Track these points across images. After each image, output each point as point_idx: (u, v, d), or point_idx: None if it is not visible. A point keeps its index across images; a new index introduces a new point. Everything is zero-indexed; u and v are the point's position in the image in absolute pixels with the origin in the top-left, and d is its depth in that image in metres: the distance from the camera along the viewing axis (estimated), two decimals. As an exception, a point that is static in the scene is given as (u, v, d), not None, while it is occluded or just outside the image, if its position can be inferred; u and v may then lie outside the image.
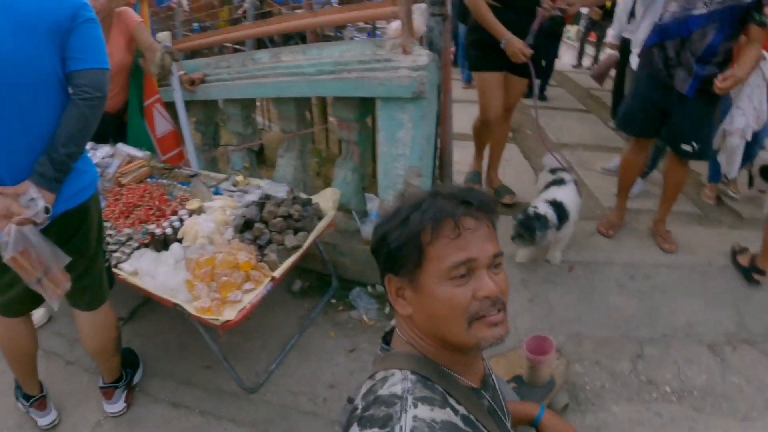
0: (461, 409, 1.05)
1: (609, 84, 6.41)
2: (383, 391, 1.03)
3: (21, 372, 2.25)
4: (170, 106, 3.36)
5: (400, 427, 0.94)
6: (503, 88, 3.57)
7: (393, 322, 1.25)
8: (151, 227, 2.58)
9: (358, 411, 1.03)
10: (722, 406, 2.52)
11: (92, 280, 2.08)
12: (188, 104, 3.24)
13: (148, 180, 3.04)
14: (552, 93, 7.06)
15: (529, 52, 3.29)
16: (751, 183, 4.19)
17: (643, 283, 3.26)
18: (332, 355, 2.79)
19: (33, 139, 1.72)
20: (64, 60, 1.70)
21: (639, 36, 3.38)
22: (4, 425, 2.41)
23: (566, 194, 3.24)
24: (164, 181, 3.05)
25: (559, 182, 3.35)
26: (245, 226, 2.60)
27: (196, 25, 4.90)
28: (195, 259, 2.34)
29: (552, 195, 3.21)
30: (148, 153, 3.12)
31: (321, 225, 2.74)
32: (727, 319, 3.02)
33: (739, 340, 2.91)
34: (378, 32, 6.78)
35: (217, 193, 2.94)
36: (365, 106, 3.09)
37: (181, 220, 2.62)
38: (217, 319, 2.15)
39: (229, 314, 2.17)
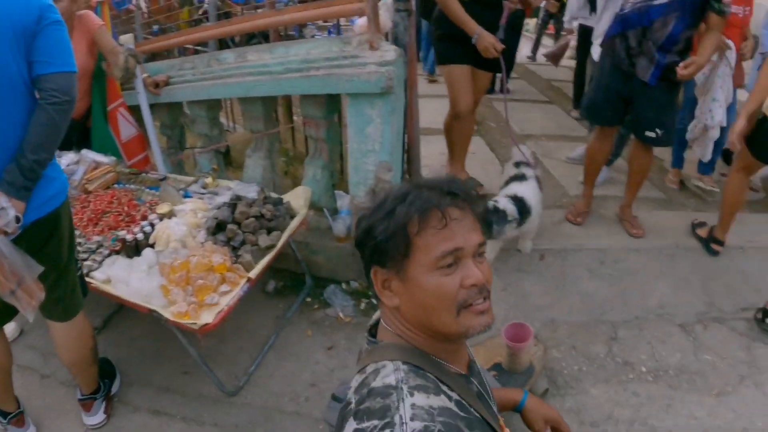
0: (454, 395, 1.06)
1: (569, 74, 6.54)
2: (377, 383, 1.03)
3: None
4: (134, 110, 3.30)
5: (400, 416, 0.94)
6: (472, 81, 3.59)
7: (376, 315, 1.26)
8: (122, 233, 2.53)
9: (352, 405, 1.02)
10: (697, 383, 2.60)
11: (66, 289, 2.02)
12: (152, 107, 3.19)
13: (115, 186, 2.98)
14: (513, 85, 7.15)
15: (501, 47, 3.33)
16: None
17: (613, 268, 3.34)
18: (311, 353, 2.78)
19: (0, 146, 1.67)
20: (30, 64, 1.65)
21: (600, 27, 3.46)
22: (-19, 445, 2.35)
23: (527, 189, 3.27)
24: (132, 186, 2.99)
25: (521, 177, 3.38)
26: (218, 227, 2.57)
27: (155, 27, 4.82)
28: (169, 264, 2.31)
29: (513, 190, 3.25)
30: (113, 158, 3.05)
31: (294, 224, 2.73)
32: (696, 299, 3.12)
33: (709, 318, 3.00)
34: (340, 30, 6.80)
35: (186, 196, 2.91)
36: (333, 103, 3.09)
37: (152, 225, 2.58)
38: (195, 323, 2.12)
39: (207, 318, 2.15)
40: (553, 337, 2.86)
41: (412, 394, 0.98)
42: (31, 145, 1.67)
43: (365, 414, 0.97)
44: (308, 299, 3.13)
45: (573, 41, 5.85)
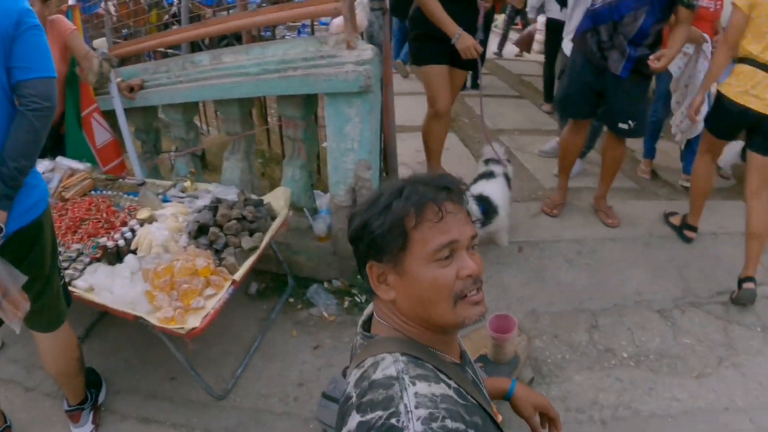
0: (452, 383, 1.08)
1: (538, 68, 6.62)
2: (377, 375, 1.04)
3: None
4: (107, 115, 3.25)
5: (405, 405, 0.95)
6: (449, 80, 3.59)
7: (368, 311, 1.27)
8: (102, 240, 2.51)
9: (354, 399, 1.03)
10: (677, 366, 2.68)
11: (50, 299, 1.99)
12: (127, 112, 3.14)
13: (92, 192, 2.94)
14: (484, 81, 7.21)
15: (481, 49, 3.33)
16: (682, 157, 4.42)
17: (591, 258, 3.41)
18: (297, 354, 2.79)
19: None
20: (9, 70, 1.62)
21: (572, 24, 3.52)
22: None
23: (494, 188, 3.30)
24: (109, 192, 2.96)
25: (489, 175, 3.40)
26: (199, 231, 2.56)
27: (124, 31, 4.76)
28: (152, 269, 2.29)
29: (480, 189, 3.28)
30: (89, 165, 3.01)
31: (275, 224, 2.73)
32: (672, 285, 3.20)
33: (686, 303, 3.09)
34: (309, 30, 6.77)
35: (165, 200, 2.88)
36: (310, 103, 3.09)
37: (133, 231, 2.56)
38: (183, 328, 2.11)
39: (194, 322, 2.14)
40: (536, 327, 2.92)
41: (414, 383, 1.00)
42: (12, 152, 1.64)
43: (369, 406, 0.98)
44: (291, 300, 3.13)
45: (538, 31, 5.94)
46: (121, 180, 3.07)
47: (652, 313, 3.01)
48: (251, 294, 3.18)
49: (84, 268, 2.40)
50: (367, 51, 2.69)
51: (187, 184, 3.04)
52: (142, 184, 2.88)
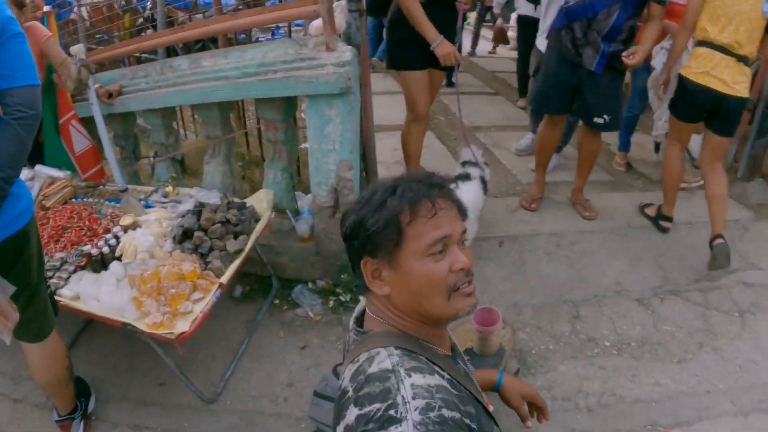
0: (446, 375, 1.11)
1: (512, 65, 6.69)
2: (373, 369, 1.06)
3: None
4: (85, 122, 3.23)
5: (402, 397, 0.98)
6: (430, 83, 3.57)
7: (360, 307, 1.30)
8: (86, 248, 2.49)
9: (351, 393, 1.06)
10: (659, 353, 2.75)
11: (38, 309, 1.98)
12: (105, 118, 3.12)
13: (73, 200, 2.92)
14: (459, 78, 7.26)
15: (460, 56, 3.32)
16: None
17: (570, 250, 3.47)
18: (285, 354, 2.80)
19: None
20: None
21: (547, 22, 3.58)
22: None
23: (467, 191, 3.29)
24: (90, 199, 2.94)
25: (464, 177, 3.40)
26: (184, 235, 2.56)
27: (101, 36, 4.71)
28: (139, 275, 2.29)
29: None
30: (68, 172, 2.98)
31: (259, 227, 2.74)
32: (651, 274, 3.28)
33: (665, 291, 3.17)
34: (282, 32, 6.76)
35: (147, 206, 2.87)
36: (290, 105, 3.10)
37: (117, 237, 2.55)
38: (172, 333, 2.12)
39: (183, 326, 2.15)
40: (519, 320, 2.97)
41: (409, 375, 1.03)
42: None
43: (366, 399, 1.01)
44: (276, 301, 3.15)
45: (511, 28, 5.98)
46: (101, 187, 3.05)
47: (631, 302, 3.09)
48: (236, 297, 3.18)
49: (69, 277, 2.38)
50: (346, 52, 2.71)
51: (169, 189, 3.03)
52: (125, 190, 2.86)
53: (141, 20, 5.20)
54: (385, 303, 1.19)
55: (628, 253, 3.44)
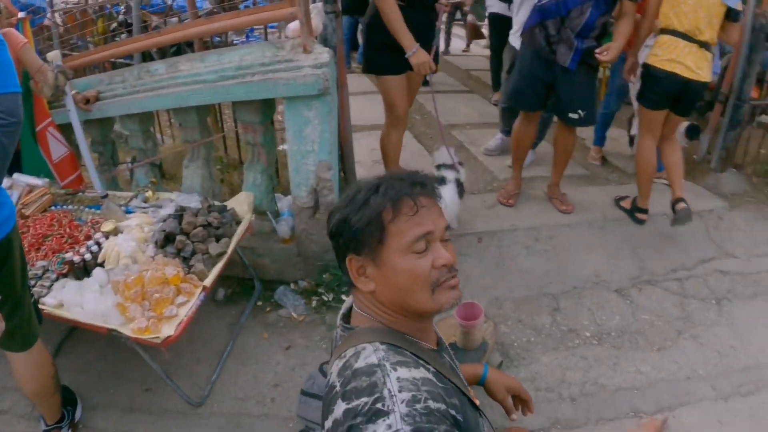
0: (431, 368, 1.14)
1: (485, 63, 6.74)
2: (359, 364, 1.09)
3: None
4: (62, 128, 3.20)
5: (388, 390, 1.01)
6: (407, 86, 3.52)
7: (347, 304, 1.33)
8: (68, 256, 2.48)
9: (338, 388, 1.08)
10: (639, 342, 2.82)
11: (22, 318, 1.97)
12: (82, 124, 3.10)
13: (52, 208, 2.90)
14: (434, 77, 7.30)
15: (434, 66, 3.28)
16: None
17: (548, 244, 3.53)
18: (270, 355, 2.82)
19: None
20: None
21: (519, 17, 3.63)
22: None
23: (443, 195, 3.31)
24: (70, 206, 2.92)
25: (440, 181, 3.40)
26: (166, 240, 2.56)
27: (75, 41, 4.65)
28: (122, 281, 2.29)
29: None
30: (47, 180, 2.96)
31: (240, 229, 2.75)
32: (628, 265, 3.35)
33: (642, 281, 3.24)
34: (256, 34, 6.74)
35: (128, 211, 2.87)
36: (268, 107, 3.11)
37: (98, 244, 2.54)
38: (158, 337, 2.12)
39: (168, 330, 2.15)
40: (500, 314, 3.01)
41: (395, 369, 1.05)
42: None
43: (353, 393, 1.03)
44: (259, 303, 3.15)
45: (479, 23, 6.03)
46: (81, 194, 3.03)
47: (610, 293, 3.15)
48: (219, 300, 3.18)
49: (51, 285, 2.37)
50: (323, 54, 2.74)
51: (149, 194, 3.03)
52: (105, 196, 2.85)
53: (115, 25, 5.16)
54: (370, 299, 1.22)
55: (605, 245, 3.50)
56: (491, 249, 3.48)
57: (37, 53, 2.89)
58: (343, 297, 3.08)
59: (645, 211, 3.65)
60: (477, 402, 1.31)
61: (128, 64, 4.13)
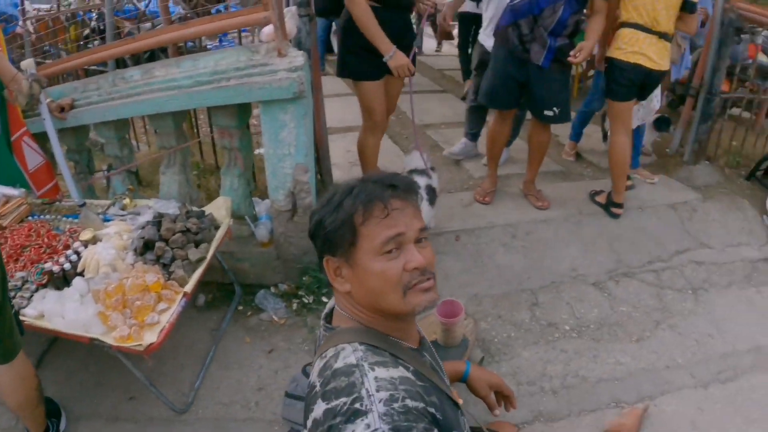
0: (410, 367, 1.17)
1: (458, 62, 6.78)
2: (338, 364, 1.12)
3: None
4: (37, 138, 3.17)
5: (366, 390, 1.04)
6: (385, 90, 3.48)
7: (330, 304, 1.36)
8: (47, 266, 2.46)
9: (318, 388, 1.11)
10: (618, 333, 2.88)
11: (3, 329, 1.95)
12: (57, 133, 3.08)
13: (30, 218, 2.87)
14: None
15: (413, 69, 3.26)
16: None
17: (525, 240, 3.57)
18: (252, 359, 2.82)
19: None
20: None
21: (488, 13, 3.67)
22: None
23: None
24: (47, 216, 2.89)
25: None
26: (145, 247, 2.55)
27: (49, 48, 4.61)
28: (103, 290, 2.28)
29: None
30: (23, 190, 2.92)
31: (219, 234, 2.75)
32: (605, 259, 3.41)
33: (619, 274, 3.31)
34: (230, 38, 6.72)
35: (106, 219, 2.85)
36: (244, 111, 3.11)
37: (78, 253, 2.52)
38: (140, 345, 2.11)
39: (150, 337, 2.15)
40: (480, 310, 3.05)
41: (373, 369, 1.08)
42: None
43: (333, 393, 1.06)
44: (240, 307, 3.16)
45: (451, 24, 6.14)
46: (58, 203, 3.00)
47: (588, 286, 3.21)
48: (200, 306, 3.17)
49: (31, 296, 2.34)
50: (298, 57, 2.75)
51: (127, 201, 3.00)
52: (83, 205, 2.83)
53: (87, 32, 5.12)
54: (348, 299, 1.25)
55: (581, 239, 3.56)
56: (469, 247, 3.51)
57: (10, 62, 2.86)
58: (324, 299, 3.09)
59: (620, 206, 3.72)
60: (460, 401, 1.34)
61: (102, 71, 4.10)
